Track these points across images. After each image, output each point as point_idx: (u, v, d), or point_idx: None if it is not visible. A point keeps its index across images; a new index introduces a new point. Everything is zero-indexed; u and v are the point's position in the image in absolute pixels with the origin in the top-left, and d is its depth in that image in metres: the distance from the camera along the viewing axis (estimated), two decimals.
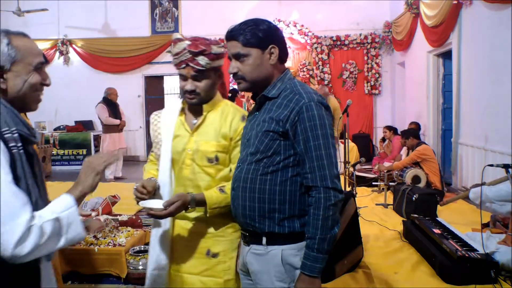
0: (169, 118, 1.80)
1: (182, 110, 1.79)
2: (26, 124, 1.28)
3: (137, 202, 1.65)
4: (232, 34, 1.50)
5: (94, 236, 3.29)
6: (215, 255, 1.72)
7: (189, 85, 1.67)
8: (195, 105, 1.73)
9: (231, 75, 1.55)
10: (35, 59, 1.31)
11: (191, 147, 1.71)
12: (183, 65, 1.65)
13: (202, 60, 1.63)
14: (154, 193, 1.70)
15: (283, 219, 1.46)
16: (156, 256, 1.77)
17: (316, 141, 1.41)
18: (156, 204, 1.60)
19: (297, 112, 1.42)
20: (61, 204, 1.23)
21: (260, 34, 1.47)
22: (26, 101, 1.31)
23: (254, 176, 1.48)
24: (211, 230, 1.73)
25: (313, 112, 1.41)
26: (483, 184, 2.99)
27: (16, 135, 1.21)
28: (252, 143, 1.51)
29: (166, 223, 1.75)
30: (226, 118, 1.73)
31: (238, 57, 1.50)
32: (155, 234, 1.79)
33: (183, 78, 1.68)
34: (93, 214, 3.70)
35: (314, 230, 1.39)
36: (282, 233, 1.46)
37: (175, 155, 1.75)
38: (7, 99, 1.26)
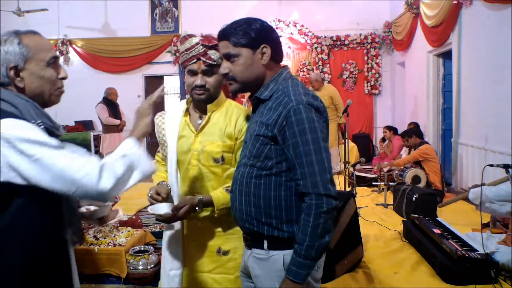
0: (174, 119, 1.80)
1: (187, 111, 1.79)
2: (49, 117, 1.32)
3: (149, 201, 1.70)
4: (223, 34, 1.46)
5: (94, 236, 3.29)
6: (226, 253, 1.73)
7: (199, 80, 1.66)
8: (202, 102, 1.72)
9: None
10: (47, 55, 1.33)
11: (196, 147, 1.72)
12: (194, 60, 1.65)
13: (213, 54, 1.64)
14: (167, 196, 1.72)
15: (281, 223, 1.43)
16: (170, 257, 1.79)
17: (306, 146, 1.34)
18: (165, 209, 1.61)
19: (285, 116, 1.36)
20: (125, 146, 1.34)
21: (252, 34, 1.43)
22: (45, 96, 1.34)
23: (249, 180, 1.46)
24: (221, 228, 1.74)
25: (302, 116, 1.34)
26: (482, 184, 2.99)
27: (42, 127, 1.25)
28: (247, 146, 1.50)
29: (177, 224, 1.77)
30: (230, 118, 1.73)
31: (228, 57, 1.46)
32: (167, 236, 1.82)
33: (193, 73, 1.68)
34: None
35: (303, 236, 1.35)
36: (282, 237, 1.43)
37: (181, 156, 1.75)
38: (28, 96, 1.30)
